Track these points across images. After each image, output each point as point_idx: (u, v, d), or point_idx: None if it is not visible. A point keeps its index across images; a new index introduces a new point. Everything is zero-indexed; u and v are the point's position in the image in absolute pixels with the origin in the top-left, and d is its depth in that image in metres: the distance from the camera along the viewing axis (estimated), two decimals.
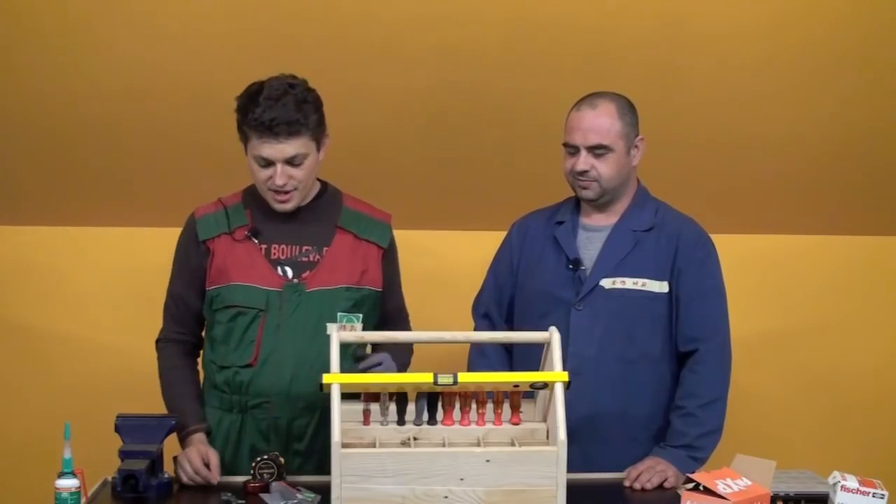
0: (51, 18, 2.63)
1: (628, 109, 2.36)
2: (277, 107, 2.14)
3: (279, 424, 2.25)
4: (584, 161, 2.32)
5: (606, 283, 2.34)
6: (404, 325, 2.46)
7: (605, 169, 2.32)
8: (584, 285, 2.34)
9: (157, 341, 2.37)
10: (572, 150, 2.34)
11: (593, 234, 2.40)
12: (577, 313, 2.33)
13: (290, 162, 2.18)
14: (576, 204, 2.46)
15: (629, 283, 2.34)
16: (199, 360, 2.38)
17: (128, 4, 2.63)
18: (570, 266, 2.37)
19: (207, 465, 2.13)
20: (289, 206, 2.25)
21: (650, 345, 2.34)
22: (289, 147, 2.16)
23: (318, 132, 2.21)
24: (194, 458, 2.14)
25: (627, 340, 2.32)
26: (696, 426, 2.26)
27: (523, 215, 2.55)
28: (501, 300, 2.49)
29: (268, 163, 2.18)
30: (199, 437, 2.21)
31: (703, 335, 2.33)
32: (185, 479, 2.15)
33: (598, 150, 2.31)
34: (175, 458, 2.19)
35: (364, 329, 2.29)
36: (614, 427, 2.31)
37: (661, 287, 2.34)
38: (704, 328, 2.33)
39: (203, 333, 2.37)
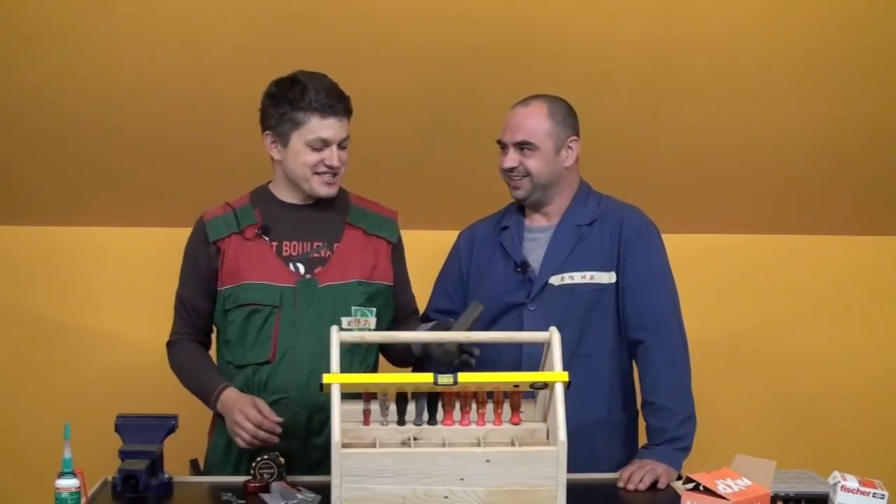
0: (53, 19, 2.63)
1: (562, 111, 2.40)
2: (330, 89, 2.24)
3: (298, 420, 2.26)
4: (510, 157, 2.37)
5: (555, 280, 2.37)
6: (415, 318, 2.47)
7: (532, 164, 2.36)
8: (533, 286, 2.37)
9: (168, 343, 2.38)
10: (503, 147, 2.39)
11: (538, 236, 2.43)
12: (530, 314, 2.36)
13: (340, 144, 2.26)
14: (520, 208, 2.49)
15: (577, 277, 2.36)
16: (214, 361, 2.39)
17: (128, 5, 2.63)
18: (518, 269, 2.39)
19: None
20: (335, 191, 2.31)
21: (602, 337, 2.36)
22: (344, 127, 2.26)
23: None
24: (249, 411, 2.14)
25: (580, 335, 2.34)
26: (671, 418, 2.26)
27: (470, 224, 2.58)
28: (452, 308, 2.50)
29: (324, 145, 2.24)
30: (233, 392, 2.22)
31: (651, 322, 2.33)
32: (245, 440, 2.16)
33: (524, 147, 2.35)
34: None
35: (378, 324, 2.31)
36: (573, 420, 2.29)
37: (610, 278, 2.36)
38: (651, 315, 2.34)
39: (214, 336, 2.39)
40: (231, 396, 2.21)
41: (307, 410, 2.26)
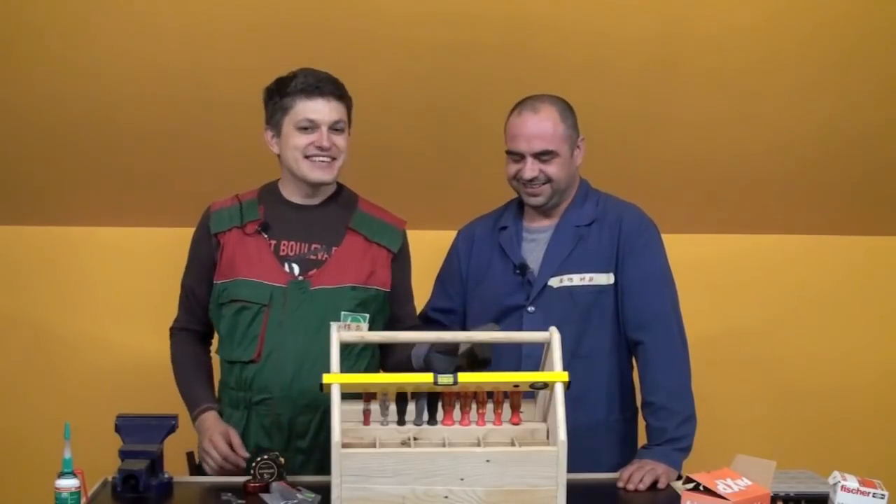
0: (53, 18, 2.63)
1: (569, 112, 2.38)
2: (319, 74, 2.24)
3: (281, 421, 2.26)
4: (531, 168, 2.33)
5: (554, 282, 2.36)
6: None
7: (554, 171, 2.34)
8: (533, 288, 2.36)
9: (171, 328, 2.41)
10: (517, 157, 2.36)
11: (538, 236, 2.43)
12: (529, 316, 2.35)
13: (333, 127, 2.24)
14: (518, 207, 2.48)
15: (576, 279, 2.36)
16: (213, 350, 2.41)
17: (129, 4, 2.63)
18: (518, 271, 2.38)
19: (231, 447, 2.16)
20: (329, 177, 2.28)
21: (601, 338, 2.36)
22: (335, 109, 2.24)
23: (351, 115, 2.30)
24: (219, 443, 2.16)
25: (579, 336, 2.33)
26: (671, 418, 2.26)
27: (469, 222, 2.57)
28: (452, 307, 2.50)
29: (312, 126, 2.22)
30: (212, 416, 2.23)
31: (650, 322, 2.33)
32: (212, 468, 2.18)
33: (544, 156, 2.33)
34: (197, 450, 2.22)
35: (371, 330, 2.28)
36: (571, 421, 2.28)
37: (608, 279, 2.36)
38: (650, 315, 2.33)
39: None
40: (208, 421, 2.23)
41: (290, 412, 2.25)
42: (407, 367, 2.27)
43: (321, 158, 2.24)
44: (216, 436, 2.18)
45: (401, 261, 2.39)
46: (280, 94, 2.24)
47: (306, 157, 2.25)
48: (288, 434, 2.26)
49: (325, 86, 2.23)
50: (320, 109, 2.22)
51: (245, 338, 2.26)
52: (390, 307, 2.36)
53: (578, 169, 2.44)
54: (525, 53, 2.79)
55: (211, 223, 2.32)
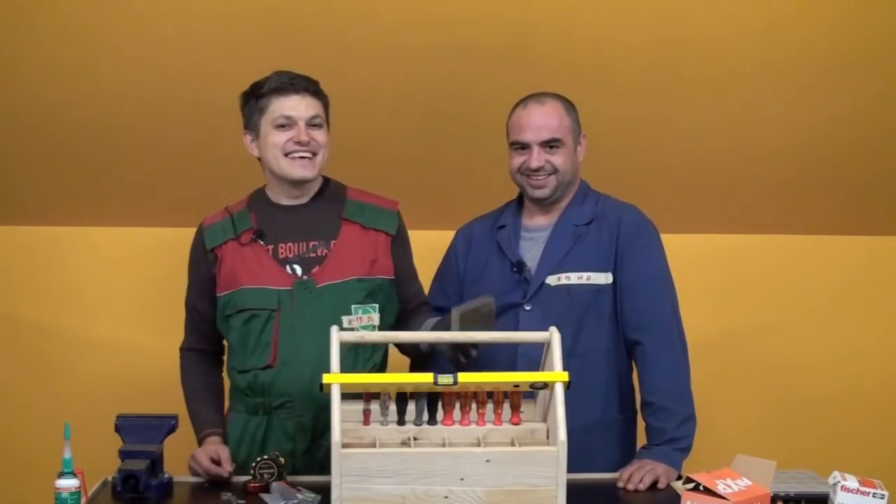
0: (53, 20, 2.63)
1: (572, 107, 2.42)
2: (291, 73, 2.26)
3: (304, 423, 2.26)
4: (537, 157, 2.35)
5: (552, 280, 2.36)
6: (426, 309, 2.45)
7: (560, 161, 2.36)
8: (529, 286, 2.36)
9: (180, 349, 2.41)
10: (521, 147, 2.37)
11: (536, 235, 2.43)
12: (526, 314, 2.36)
13: (310, 123, 2.24)
14: (517, 206, 2.49)
15: (573, 277, 2.36)
16: (224, 365, 2.41)
17: (129, 6, 2.63)
18: (515, 269, 2.39)
19: (218, 463, 2.16)
20: (310, 173, 2.28)
21: (598, 337, 2.36)
22: (310, 105, 2.25)
23: (328, 112, 2.30)
24: (202, 460, 2.17)
25: (576, 335, 2.33)
26: (670, 418, 2.26)
27: (468, 221, 2.58)
28: (449, 306, 2.48)
29: (290, 123, 2.23)
30: (210, 440, 2.24)
31: (649, 323, 2.33)
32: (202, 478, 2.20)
33: (552, 145, 2.35)
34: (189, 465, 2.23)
35: (383, 318, 2.30)
36: (568, 421, 2.28)
37: (606, 279, 2.36)
38: (649, 315, 2.33)
39: (224, 341, 2.40)
40: (205, 442, 2.24)
41: (312, 412, 2.25)
42: (417, 348, 2.33)
43: (301, 154, 2.25)
44: (200, 454, 2.19)
45: (400, 241, 2.39)
46: (255, 96, 2.26)
47: (286, 154, 2.25)
48: (312, 434, 2.26)
49: (300, 82, 2.25)
50: (296, 106, 2.23)
51: (258, 345, 2.26)
52: (398, 290, 2.36)
53: (580, 166, 2.44)
54: (526, 57, 2.79)
55: (205, 239, 2.32)
